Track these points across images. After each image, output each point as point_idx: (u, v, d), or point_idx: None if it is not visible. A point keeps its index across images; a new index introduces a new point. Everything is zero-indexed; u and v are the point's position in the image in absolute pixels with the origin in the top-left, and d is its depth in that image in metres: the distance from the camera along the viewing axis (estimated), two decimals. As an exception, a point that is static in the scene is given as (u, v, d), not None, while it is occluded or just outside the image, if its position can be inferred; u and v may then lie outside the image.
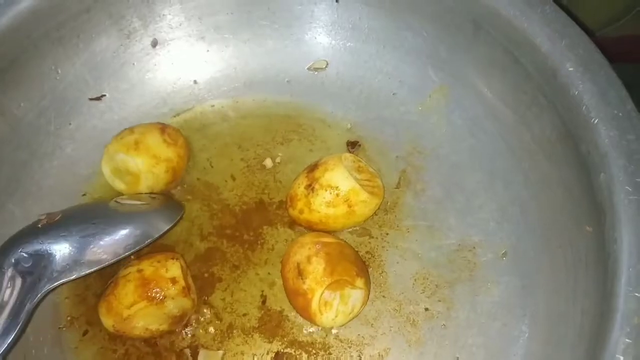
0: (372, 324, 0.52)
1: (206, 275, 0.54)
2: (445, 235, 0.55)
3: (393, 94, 0.61)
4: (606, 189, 0.42)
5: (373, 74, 0.62)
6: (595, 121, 0.43)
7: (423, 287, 0.53)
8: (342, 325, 0.51)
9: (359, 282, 0.48)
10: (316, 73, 0.63)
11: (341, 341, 0.51)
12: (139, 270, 0.49)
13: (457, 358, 0.50)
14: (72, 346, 0.52)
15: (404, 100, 0.61)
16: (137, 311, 0.48)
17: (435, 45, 0.58)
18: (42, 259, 0.48)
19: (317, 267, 0.48)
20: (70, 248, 0.48)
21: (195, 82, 0.63)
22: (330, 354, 0.51)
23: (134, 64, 0.61)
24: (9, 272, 0.47)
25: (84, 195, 0.57)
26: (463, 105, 0.58)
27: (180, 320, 0.50)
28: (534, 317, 0.49)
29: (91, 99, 0.60)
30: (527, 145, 0.53)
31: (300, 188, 0.52)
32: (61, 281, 0.48)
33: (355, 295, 0.49)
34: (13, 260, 0.47)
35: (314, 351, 0.51)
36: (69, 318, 0.52)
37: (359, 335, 0.51)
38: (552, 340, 0.46)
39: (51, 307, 0.53)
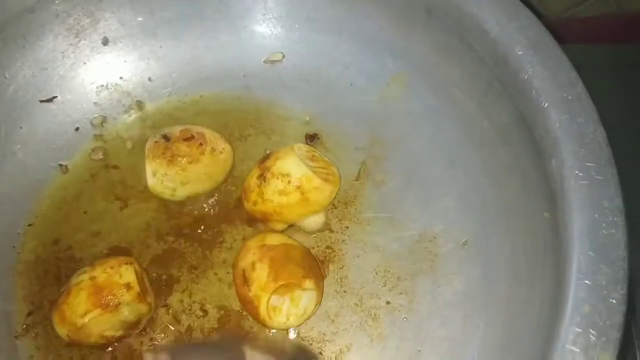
0: (333, 320, 0.51)
1: (164, 277, 0.53)
2: (407, 226, 0.54)
3: (351, 85, 0.60)
4: (558, 175, 0.41)
5: (330, 65, 0.61)
6: (546, 105, 0.42)
7: (384, 280, 0.52)
8: (298, 326, 0.50)
9: (308, 283, 0.47)
10: (273, 65, 0.62)
11: (302, 339, 0.51)
12: (92, 278, 0.48)
13: (419, 351, 0.49)
14: (28, 354, 0.50)
15: (362, 90, 0.60)
16: (91, 319, 0.47)
17: (392, 34, 0.58)
18: None
19: (261, 274, 0.47)
20: None
21: (149, 79, 0.61)
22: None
23: (84, 63, 0.60)
24: None
25: (39, 202, 0.56)
26: (421, 94, 0.57)
27: (137, 325, 0.49)
28: (495, 306, 0.48)
29: (42, 101, 0.58)
30: (485, 133, 0.52)
31: (252, 179, 0.51)
32: None
33: (306, 296, 0.48)
34: None
35: (275, 349, 0.50)
36: (24, 326, 0.51)
37: (319, 332, 0.51)
38: (513, 329, 0.46)
39: (5, 316, 0.51)
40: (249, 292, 0.47)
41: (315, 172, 0.50)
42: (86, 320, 0.46)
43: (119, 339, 0.49)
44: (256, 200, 0.50)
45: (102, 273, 0.48)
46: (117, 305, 0.47)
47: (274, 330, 0.50)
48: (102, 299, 0.46)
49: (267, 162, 0.51)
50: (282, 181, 0.49)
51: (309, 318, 0.49)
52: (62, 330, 0.47)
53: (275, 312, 0.47)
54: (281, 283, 0.46)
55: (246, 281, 0.47)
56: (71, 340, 0.48)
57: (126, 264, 0.49)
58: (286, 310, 0.47)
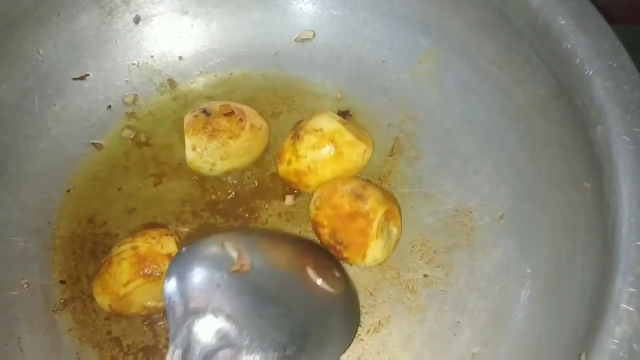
0: (371, 293, 0.51)
1: (201, 251, 0.53)
2: (442, 201, 0.54)
3: (382, 62, 0.60)
4: (603, 142, 0.41)
5: (361, 42, 0.61)
6: (590, 73, 0.42)
7: (421, 254, 0.52)
8: (380, 263, 0.51)
9: (397, 221, 0.50)
10: (303, 44, 0.62)
11: (341, 311, 0.50)
12: (134, 248, 0.48)
13: (459, 322, 0.50)
14: (67, 328, 0.51)
15: (393, 67, 0.60)
16: (133, 289, 0.47)
17: (424, 10, 0.57)
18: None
19: (375, 192, 0.49)
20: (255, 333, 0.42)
21: (180, 57, 0.61)
22: (329, 324, 0.50)
23: (117, 41, 0.60)
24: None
25: (70, 189, 0.56)
26: (454, 70, 0.57)
27: None
28: (534, 278, 0.49)
29: (75, 79, 0.58)
30: (520, 106, 0.52)
31: (287, 141, 0.53)
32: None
33: (392, 233, 0.50)
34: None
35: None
36: (62, 301, 0.51)
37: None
38: (554, 299, 0.46)
39: (43, 291, 0.52)
40: (365, 205, 0.48)
41: (348, 129, 0.51)
42: (129, 289, 0.47)
43: (159, 311, 0.49)
44: (290, 159, 0.51)
45: (143, 243, 0.48)
46: (160, 275, 0.47)
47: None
48: (144, 268, 0.47)
49: (301, 123, 0.52)
50: (314, 136, 0.51)
51: (388, 257, 0.51)
52: (103, 300, 0.48)
53: (382, 233, 0.48)
54: (390, 206, 0.49)
55: (360, 197, 0.48)
56: (112, 310, 0.48)
57: (167, 234, 0.49)
58: (385, 237, 0.49)
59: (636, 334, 0.34)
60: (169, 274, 0.44)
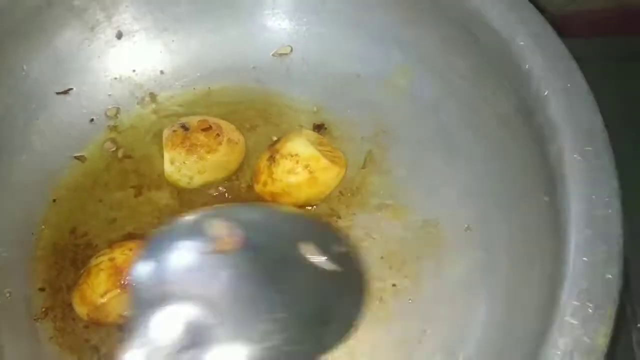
0: (341, 302, 0.53)
1: (178, 261, 0.55)
2: (411, 213, 0.56)
3: (357, 76, 0.62)
4: (557, 160, 0.43)
5: (337, 57, 0.63)
6: (546, 93, 0.44)
7: (390, 264, 0.54)
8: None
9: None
10: (281, 59, 0.63)
11: (311, 320, 0.52)
12: (111, 259, 0.50)
13: (425, 331, 0.51)
14: (48, 336, 0.52)
15: (368, 81, 0.62)
16: (110, 299, 0.49)
17: (397, 27, 0.59)
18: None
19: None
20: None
21: (161, 72, 0.63)
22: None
23: (99, 56, 0.62)
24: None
25: (54, 201, 0.58)
26: (426, 85, 0.59)
27: None
28: (496, 287, 0.50)
29: (58, 93, 0.60)
30: (487, 122, 0.54)
31: (262, 162, 0.54)
32: None
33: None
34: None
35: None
36: (43, 309, 0.53)
37: (328, 313, 0.52)
38: (514, 307, 0.48)
39: (25, 300, 0.53)
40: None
41: (323, 154, 0.53)
42: (106, 299, 0.48)
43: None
44: (266, 181, 0.53)
45: (120, 255, 0.50)
46: None
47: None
48: (121, 279, 0.48)
49: (277, 145, 0.54)
50: (290, 161, 0.52)
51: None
52: (82, 310, 0.49)
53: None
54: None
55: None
56: (90, 320, 0.50)
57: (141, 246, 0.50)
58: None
59: (577, 346, 0.36)
60: (140, 256, 0.43)
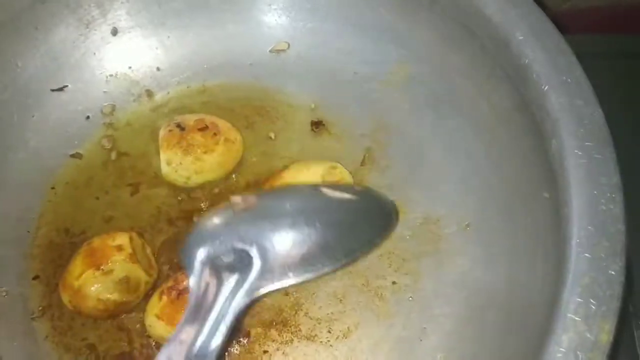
0: (340, 300, 0.53)
1: (175, 260, 0.54)
2: (411, 210, 0.56)
3: (355, 73, 0.61)
4: (558, 155, 0.42)
5: (334, 54, 0.62)
6: (546, 88, 0.44)
7: (390, 262, 0.54)
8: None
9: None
10: (278, 55, 0.63)
11: (310, 318, 0.52)
12: (88, 243, 0.51)
13: (425, 328, 0.51)
14: (44, 335, 0.52)
15: (365, 78, 0.61)
16: (85, 280, 0.49)
17: (395, 23, 0.59)
18: (245, 255, 0.41)
19: None
20: (278, 245, 0.42)
21: (158, 69, 0.63)
22: (300, 330, 0.51)
23: (95, 53, 0.61)
24: (207, 269, 0.41)
25: (50, 199, 0.57)
26: (424, 81, 0.59)
27: (134, 290, 0.51)
28: (497, 285, 0.50)
29: (53, 90, 0.59)
30: (486, 118, 0.53)
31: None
32: (268, 288, 0.41)
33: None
34: (211, 252, 0.41)
35: (285, 329, 0.52)
36: (40, 308, 0.53)
37: (327, 312, 0.52)
38: (514, 308, 0.47)
39: (21, 299, 0.53)
40: None
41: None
42: (81, 281, 0.48)
43: (119, 306, 0.50)
44: None
45: (97, 240, 0.51)
46: (109, 265, 0.49)
47: (282, 310, 0.52)
48: (95, 260, 0.49)
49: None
50: None
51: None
52: (65, 298, 0.50)
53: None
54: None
55: None
56: (73, 308, 0.50)
57: (123, 233, 0.51)
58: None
59: (581, 343, 0.35)
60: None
